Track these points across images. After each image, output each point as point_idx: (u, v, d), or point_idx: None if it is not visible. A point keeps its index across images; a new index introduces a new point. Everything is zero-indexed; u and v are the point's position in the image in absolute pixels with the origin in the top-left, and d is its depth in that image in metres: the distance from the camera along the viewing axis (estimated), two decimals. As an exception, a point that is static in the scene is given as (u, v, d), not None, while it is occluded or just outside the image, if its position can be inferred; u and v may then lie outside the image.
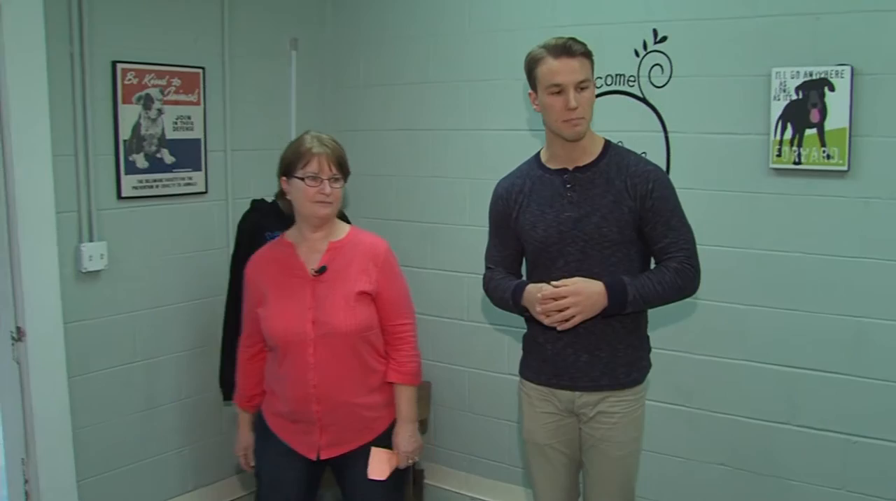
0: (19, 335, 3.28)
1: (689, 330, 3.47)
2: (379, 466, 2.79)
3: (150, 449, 3.77)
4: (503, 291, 2.73)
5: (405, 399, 2.86)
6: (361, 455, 2.79)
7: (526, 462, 2.97)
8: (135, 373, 3.68)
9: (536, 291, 2.57)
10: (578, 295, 2.50)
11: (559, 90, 2.52)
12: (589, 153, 2.64)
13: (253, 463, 2.95)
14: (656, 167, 2.68)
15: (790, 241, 3.21)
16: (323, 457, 2.77)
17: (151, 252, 3.68)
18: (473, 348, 4.13)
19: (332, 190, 2.70)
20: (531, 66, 2.59)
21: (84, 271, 3.46)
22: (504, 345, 3.86)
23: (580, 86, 2.52)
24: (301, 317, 2.69)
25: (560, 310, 2.51)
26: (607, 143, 2.68)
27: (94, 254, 3.47)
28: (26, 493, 3.37)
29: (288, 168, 2.73)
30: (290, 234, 2.84)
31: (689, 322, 3.46)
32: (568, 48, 2.51)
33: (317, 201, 2.69)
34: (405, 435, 2.85)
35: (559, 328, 2.54)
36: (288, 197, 2.77)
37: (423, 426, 4.04)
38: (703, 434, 3.49)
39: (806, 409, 3.24)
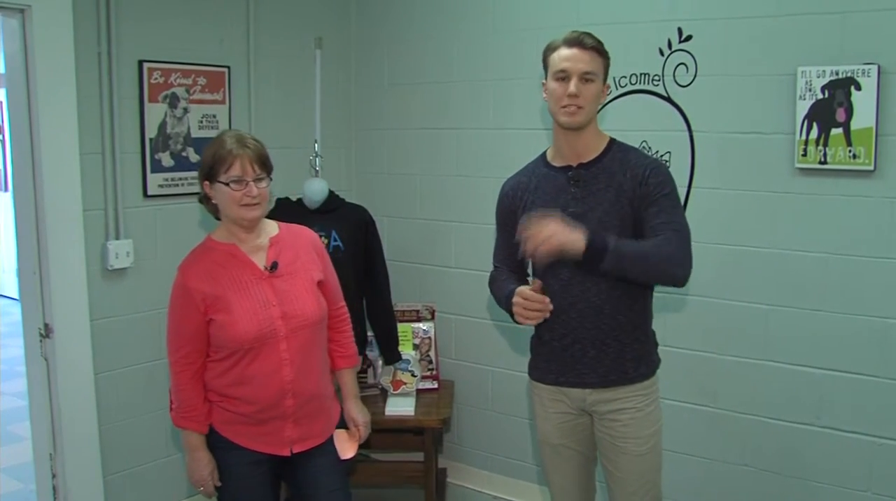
0: (47, 331, 3.31)
1: (713, 331, 3.46)
2: (345, 445, 2.85)
3: (176, 445, 3.79)
4: (499, 292, 2.78)
5: (350, 377, 2.99)
6: (325, 445, 2.80)
7: (541, 462, 2.97)
8: (160, 370, 3.69)
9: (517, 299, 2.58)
10: (552, 223, 2.43)
11: (564, 76, 2.57)
12: (593, 149, 2.67)
13: (219, 483, 2.75)
14: (657, 160, 2.75)
15: (816, 241, 3.19)
16: (296, 451, 2.72)
17: (177, 250, 3.64)
18: (497, 347, 4.13)
19: (259, 190, 2.62)
20: (546, 53, 2.66)
21: (110, 269, 3.50)
22: (527, 344, 3.85)
23: (585, 77, 2.56)
24: (268, 315, 2.62)
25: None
26: (612, 141, 2.71)
27: (121, 252, 3.51)
28: (54, 487, 3.41)
29: (210, 173, 2.62)
30: (221, 236, 2.73)
31: (713, 322, 3.45)
32: (580, 40, 2.58)
33: (244, 204, 2.61)
34: (358, 409, 2.95)
35: (539, 251, 2.44)
36: (213, 201, 2.68)
37: (445, 425, 4.05)
38: (727, 434, 3.47)
39: (831, 410, 3.22)
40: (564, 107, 2.58)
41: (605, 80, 2.65)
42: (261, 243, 2.73)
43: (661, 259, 2.51)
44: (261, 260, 2.70)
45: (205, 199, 2.73)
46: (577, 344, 2.65)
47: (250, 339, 2.60)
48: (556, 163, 2.72)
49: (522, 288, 2.57)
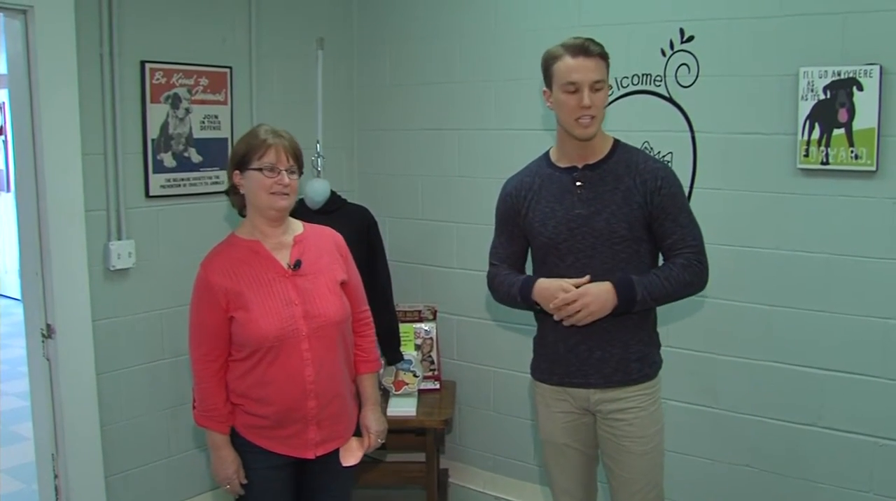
0: (49, 332, 3.32)
1: (715, 331, 3.45)
2: (351, 453, 2.81)
3: (178, 446, 3.81)
4: (509, 286, 2.76)
5: (371, 383, 2.93)
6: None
7: (544, 461, 2.98)
8: (162, 370, 3.72)
9: (555, 287, 2.60)
10: (587, 296, 2.54)
11: (575, 89, 2.56)
12: (599, 151, 2.68)
13: (244, 481, 2.70)
14: (665, 165, 2.73)
15: (817, 242, 3.19)
16: (319, 453, 2.70)
17: (179, 250, 3.70)
18: (499, 348, 4.13)
19: (290, 180, 2.62)
20: (548, 63, 2.63)
21: (112, 269, 3.50)
22: (529, 345, 3.85)
23: (594, 87, 2.56)
24: (290, 313, 2.60)
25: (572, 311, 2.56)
26: (616, 142, 2.72)
27: (123, 253, 3.51)
28: (56, 488, 3.41)
29: (242, 160, 2.63)
30: (244, 232, 2.72)
31: (715, 322, 3.45)
32: (585, 48, 2.56)
33: (274, 192, 2.60)
34: (375, 417, 2.89)
35: (566, 323, 2.59)
36: (241, 191, 2.68)
37: (447, 425, 4.05)
38: (728, 435, 3.47)
39: (833, 411, 3.22)
40: (578, 119, 2.58)
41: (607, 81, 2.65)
42: (285, 240, 2.72)
43: (683, 287, 2.64)
44: (284, 258, 2.68)
45: (232, 191, 2.73)
46: (582, 344, 2.66)
47: (272, 338, 2.58)
48: (561, 164, 2.72)
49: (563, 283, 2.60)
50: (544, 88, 2.68)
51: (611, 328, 2.62)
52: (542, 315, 2.75)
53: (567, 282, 2.59)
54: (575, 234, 2.63)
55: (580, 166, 2.67)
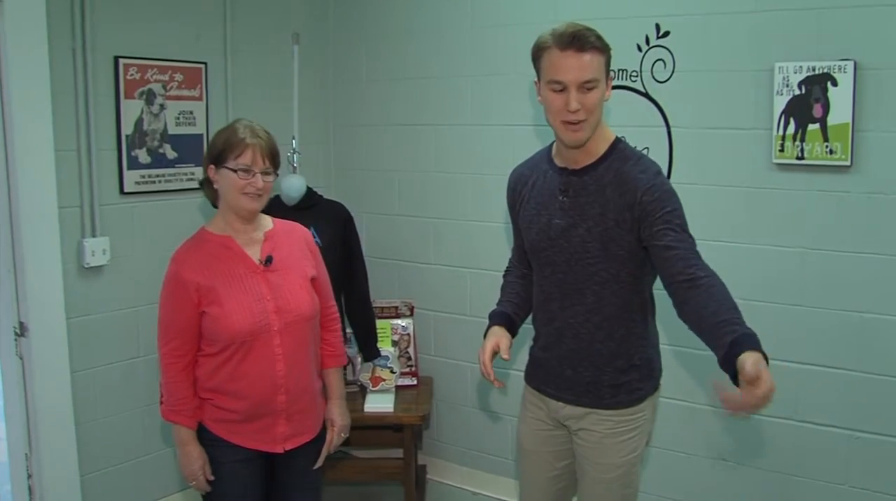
0: (22, 330, 3.28)
1: (691, 326, 3.47)
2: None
3: (154, 445, 3.78)
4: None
5: (337, 377, 2.95)
6: (310, 445, 2.78)
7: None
8: (137, 369, 3.69)
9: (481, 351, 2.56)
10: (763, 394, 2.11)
11: (561, 88, 2.27)
12: (591, 154, 2.40)
13: (211, 477, 2.69)
14: (653, 175, 2.36)
15: (793, 236, 3.21)
16: (288, 448, 2.70)
17: (154, 247, 3.66)
18: (475, 343, 4.07)
19: (264, 183, 2.61)
20: (536, 53, 2.34)
21: (87, 266, 3.47)
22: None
23: (586, 86, 2.26)
24: (262, 309, 2.61)
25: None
26: (614, 144, 2.44)
27: (97, 250, 3.48)
28: (30, 488, 3.38)
29: (218, 157, 2.61)
30: (216, 227, 2.71)
31: (691, 317, 3.46)
32: (579, 39, 2.24)
33: (247, 194, 2.60)
34: (340, 411, 2.91)
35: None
36: (215, 186, 2.67)
37: (425, 421, 4.05)
38: (705, 429, 3.49)
39: (809, 405, 3.24)
40: (565, 123, 2.31)
41: (608, 74, 2.34)
42: (256, 236, 2.72)
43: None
44: (255, 254, 2.69)
45: (206, 184, 2.73)
46: (554, 359, 2.55)
47: (244, 333, 2.59)
48: (557, 163, 2.48)
49: (486, 352, 2.55)
50: (535, 80, 2.40)
51: (583, 351, 2.48)
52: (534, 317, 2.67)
53: (487, 352, 2.53)
54: (553, 245, 2.45)
55: (570, 170, 2.43)
